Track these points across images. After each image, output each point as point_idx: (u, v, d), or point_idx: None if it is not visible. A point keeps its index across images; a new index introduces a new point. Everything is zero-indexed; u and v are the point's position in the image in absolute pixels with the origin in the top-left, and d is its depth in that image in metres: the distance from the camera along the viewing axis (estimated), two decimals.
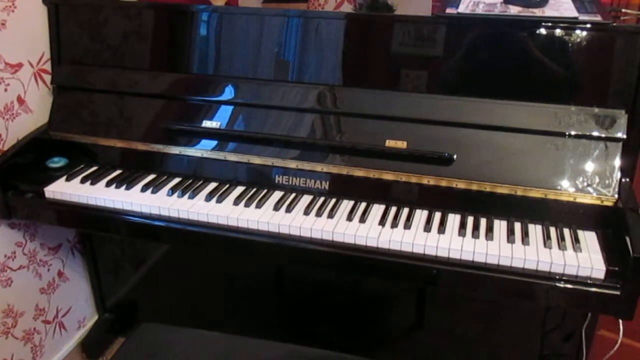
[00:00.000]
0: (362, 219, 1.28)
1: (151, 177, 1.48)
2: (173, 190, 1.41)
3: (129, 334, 1.31)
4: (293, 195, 1.38)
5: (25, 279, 1.62)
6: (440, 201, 1.31)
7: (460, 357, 1.67)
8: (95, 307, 1.97)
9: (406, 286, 1.64)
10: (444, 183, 1.31)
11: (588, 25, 1.25)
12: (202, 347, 1.26)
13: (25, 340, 1.67)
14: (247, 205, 1.35)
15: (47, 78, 1.60)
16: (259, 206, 1.34)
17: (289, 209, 1.32)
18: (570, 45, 1.27)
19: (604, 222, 1.23)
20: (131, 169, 1.51)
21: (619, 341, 1.53)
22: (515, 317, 1.57)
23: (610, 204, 1.22)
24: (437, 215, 1.30)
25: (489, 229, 1.24)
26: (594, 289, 1.11)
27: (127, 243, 1.87)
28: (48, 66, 1.60)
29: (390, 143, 1.33)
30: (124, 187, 1.43)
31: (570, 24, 1.26)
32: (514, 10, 1.33)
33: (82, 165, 1.54)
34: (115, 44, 1.58)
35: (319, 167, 1.38)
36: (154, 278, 1.90)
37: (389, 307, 1.67)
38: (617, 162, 1.23)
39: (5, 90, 1.46)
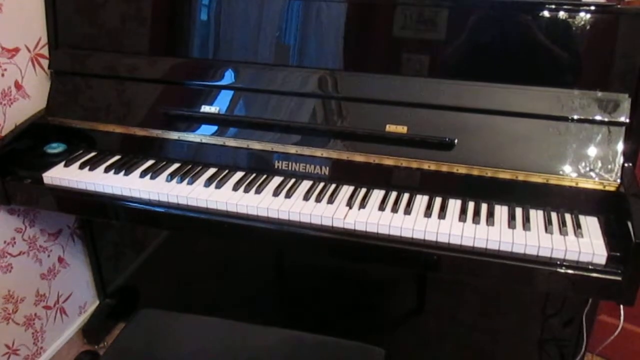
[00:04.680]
0: (362, 205, 1.27)
1: (150, 162, 1.47)
2: (172, 175, 1.40)
3: (128, 320, 1.31)
4: (293, 180, 1.37)
5: (25, 264, 1.62)
6: (441, 186, 1.30)
7: (461, 342, 1.67)
8: (96, 293, 1.98)
9: (406, 272, 1.63)
10: (444, 168, 1.30)
11: (592, 7, 1.23)
12: (201, 333, 1.26)
13: (27, 325, 1.67)
14: (246, 190, 1.34)
15: (45, 63, 1.58)
16: (258, 192, 1.33)
17: (288, 195, 1.31)
18: (573, 27, 1.25)
19: (606, 207, 1.22)
20: (130, 155, 1.51)
21: (620, 326, 1.53)
22: (515, 303, 1.56)
23: (612, 189, 1.21)
24: (438, 201, 1.29)
25: (490, 215, 1.23)
26: (595, 275, 1.10)
27: (127, 229, 1.87)
28: (45, 51, 1.58)
29: (390, 128, 1.32)
30: (122, 172, 1.42)
31: (574, 6, 1.23)
32: None
33: (80, 151, 1.54)
34: (113, 28, 1.56)
35: (318, 153, 1.37)
36: (154, 264, 1.90)
37: (389, 292, 1.67)
38: (620, 146, 1.22)
39: (2, 75, 1.45)
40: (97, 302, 1.99)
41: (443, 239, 1.19)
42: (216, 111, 1.44)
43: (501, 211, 1.25)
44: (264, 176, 1.39)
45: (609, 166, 1.21)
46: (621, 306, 1.54)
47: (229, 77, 1.47)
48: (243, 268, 1.77)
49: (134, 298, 1.97)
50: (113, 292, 1.97)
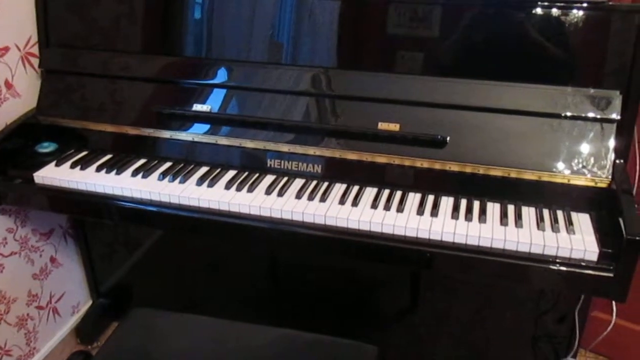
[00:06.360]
0: (355, 203, 1.27)
1: (142, 161, 1.47)
2: (164, 174, 1.39)
3: (121, 320, 1.30)
4: (285, 179, 1.37)
5: (16, 265, 1.61)
6: (434, 184, 1.30)
7: (454, 339, 1.68)
8: (89, 293, 1.97)
9: (400, 270, 1.63)
10: (437, 166, 1.29)
11: (584, 5, 1.23)
12: (195, 332, 1.26)
13: (19, 326, 1.66)
14: (238, 189, 1.33)
15: (35, 62, 1.57)
16: (250, 190, 1.33)
17: (280, 193, 1.31)
18: (565, 25, 1.25)
19: (598, 203, 1.22)
20: (122, 154, 1.50)
21: (613, 322, 1.54)
22: (508, 300, 1.56)
23: (604, 185, 1.21)
24: (430, 198, 1.29)
25: (482, 212, 1.23)
26: (587, 271, 1.11)
27: (120, 228, 1.86)
28: (35, 49, 1.57)
29: (382, 126, 1.32)
30: (114, 172, 1.42)
31: (566, 3, 1.23)
32: None
33: (72, 150, 1.53)
34: (105, 26, 1.55)
35: (311, 151, 1.37)
36: (147, 262, 1.89)
37: (383, 290, 1.67)
38: (612, 143, 1.22)
39: None
40: (91, 302, 1.98)
41: (435, 236, 1.19)
42: (208, 110, 1.43)
43: (493, 208, 1.25)
44: (257, 174, 1.39)
45: (601, 163, 1.22)
46: (613, 302, 1.55)
47: (221, 76, 1.46)
48: (236, 267, 1.77)
49: (127, 297, 1.96)
50: (106, 291, 1.96)
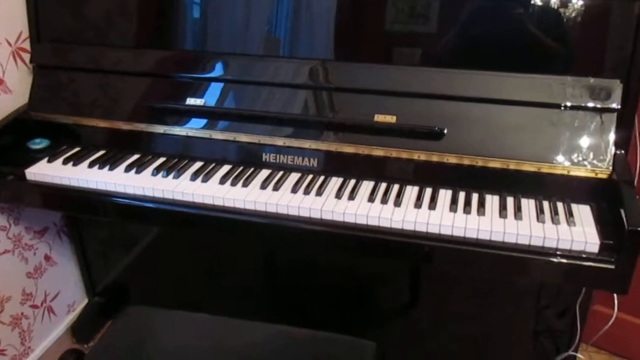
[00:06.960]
0: (351, 196, 1.25)
1: (135, 157, 1.45)
2: (157, 170, 1.37)
3: (115, 317, 1.28)
4: (281, 173, 1.35)
5: (10, 263, 1.59)
6: (431, 177, 1.28)
7: (454, 335, 1.66)
8: (85, 291, 1.95)
9: (399, 264, 1.61)
10: (434, 158, 1.27)
11: None
12: (190, 329, 1.24)
13: (13, 325, 1.64)
14: (233, 184, 1.31)
15: (26, 57, 1.55)
16: (245, 185, 1.31)
17: (276, 187, 1.29)
18: (564, 14, 1.23)
19: (599, 195, 1.20)
20: (115, 149, 1.48)
21: (614, 316, 1.52)
22: (509, 294, 1.55)
23: (604, 176, 1.19)
24: (428, 191, 1.27)
25: (481, 204, 1.21)
26: (588, 264, 1.09)
27: (115, 225, 1.84)
28: (27, 44, 1.54)
29: (379, 118, 1.30)
30: (107, 167, 1.40)
31: None
32: None
33: (64, 146, 1.50)
34: (97, 20, 1.53)
35: (307, 144, 1.35)
36: (143, 260, 1.87)
37: (381, 286, 1.65)
38: (612, 133, 1.20)
39: None
40: (86, 301, 1.96)
41: (433, 229, 1.17)
42: (202, 104, 1.41)
43: (492, 201, 1.23)
44: (252, 169, 1.37)
45: (601, 154, 1.20)
46: (615, 295, 1.53)
47: (215, 69, 1.44)
48: (232, 263, 1.75)
49: (123, 296, 1.94)
50: (102, 289, 1.94)
